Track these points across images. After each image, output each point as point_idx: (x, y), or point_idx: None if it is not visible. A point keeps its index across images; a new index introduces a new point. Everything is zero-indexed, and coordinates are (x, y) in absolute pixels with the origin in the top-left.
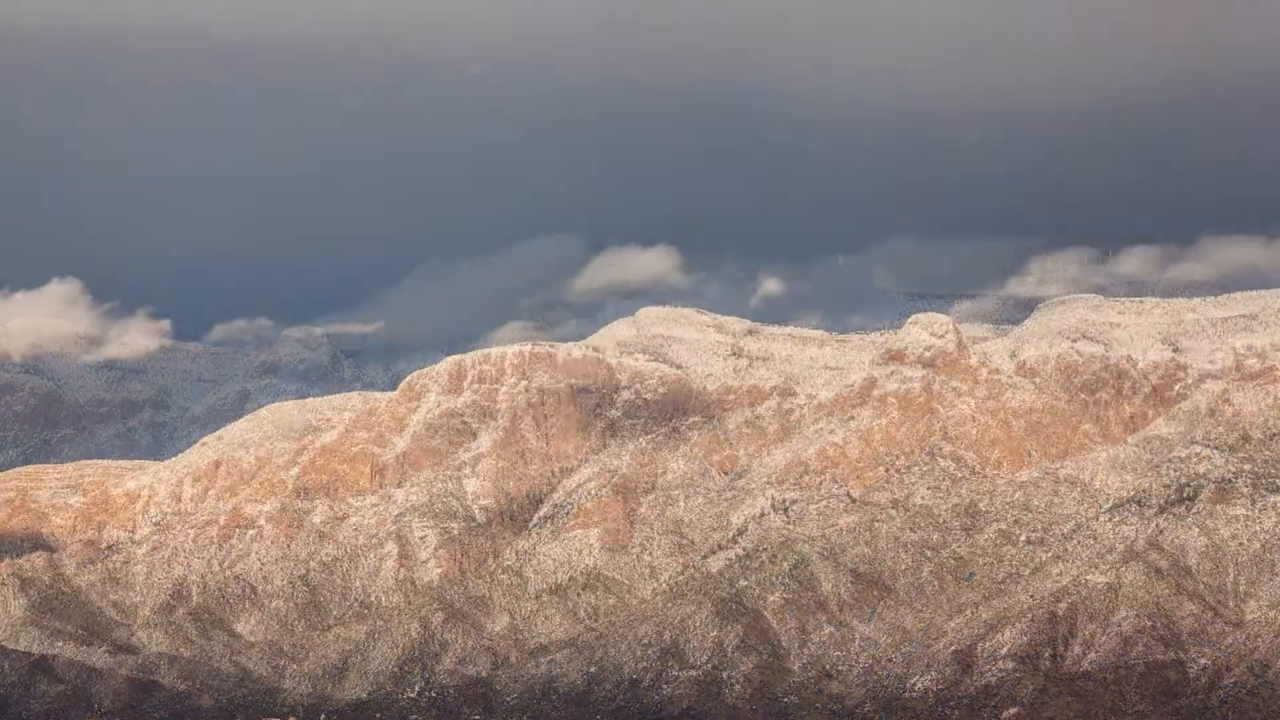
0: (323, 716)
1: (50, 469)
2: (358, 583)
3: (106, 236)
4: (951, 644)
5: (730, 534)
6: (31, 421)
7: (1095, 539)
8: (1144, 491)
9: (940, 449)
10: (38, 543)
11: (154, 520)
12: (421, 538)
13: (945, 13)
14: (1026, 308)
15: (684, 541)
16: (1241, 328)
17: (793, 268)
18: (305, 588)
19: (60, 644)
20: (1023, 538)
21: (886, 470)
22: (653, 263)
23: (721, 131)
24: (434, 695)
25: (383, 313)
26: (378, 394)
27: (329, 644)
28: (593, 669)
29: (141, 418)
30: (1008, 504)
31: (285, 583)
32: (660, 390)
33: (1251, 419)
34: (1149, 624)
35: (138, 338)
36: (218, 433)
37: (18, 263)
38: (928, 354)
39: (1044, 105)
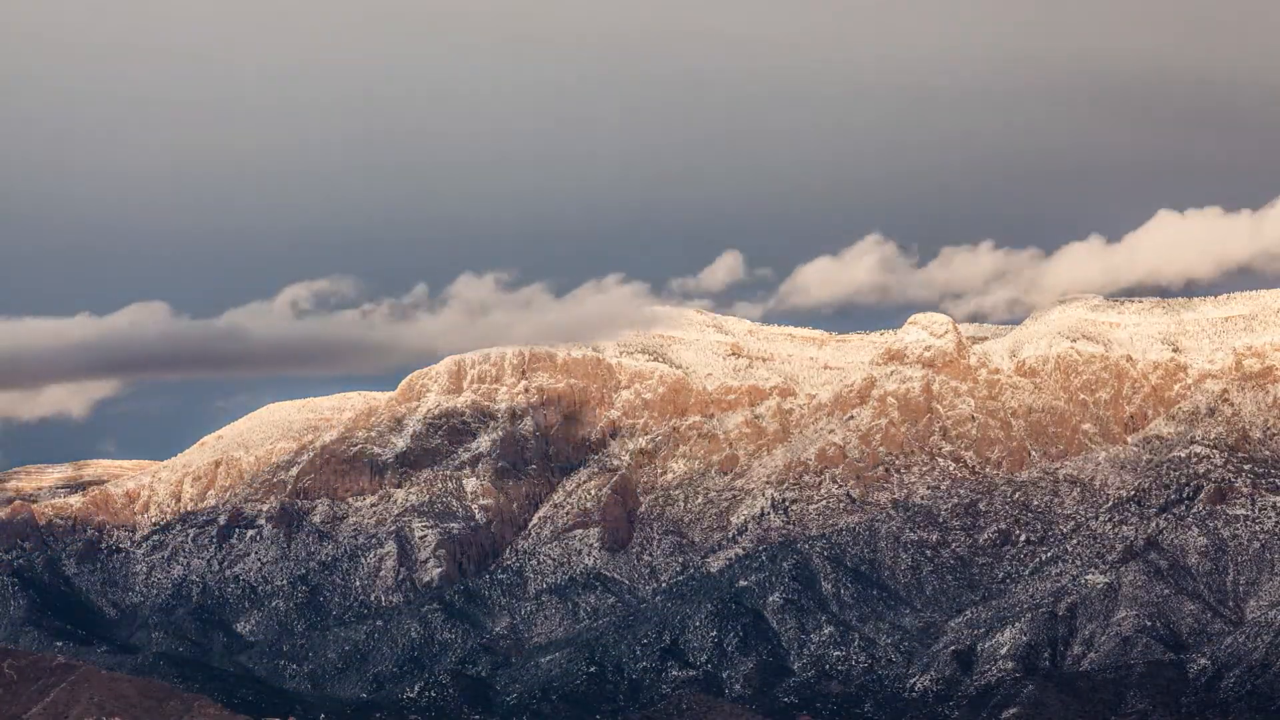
0: (323, 716)
1: (50, 469)
2: (358, 583)
3: None
4: (951, 644)
5: (730, 534)
6: None
7: (1095, 539)
8: (1144, 491)
9: (940, 449)
10: (38, 542)
11: (154, 520)
12: (421, 538)
13: None
14: None
15: (684, 541)
16: (1241, 328)
17: None
18: (305, 588)
19: (60, 644)
20: (1023, 538)
21: (886, 470)
22: None
23: None
24: (434, 695)
25: None
26: (378, 394)
27: (329, 644)
28: (593, 669)
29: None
30: (1008, 504)
31: (285, 583)
32: (660, 390)
33: (1251, 419)
34: (1149, 624)
35: None
36: (217, 432)
37: None
38: (928, 354)
39: None
